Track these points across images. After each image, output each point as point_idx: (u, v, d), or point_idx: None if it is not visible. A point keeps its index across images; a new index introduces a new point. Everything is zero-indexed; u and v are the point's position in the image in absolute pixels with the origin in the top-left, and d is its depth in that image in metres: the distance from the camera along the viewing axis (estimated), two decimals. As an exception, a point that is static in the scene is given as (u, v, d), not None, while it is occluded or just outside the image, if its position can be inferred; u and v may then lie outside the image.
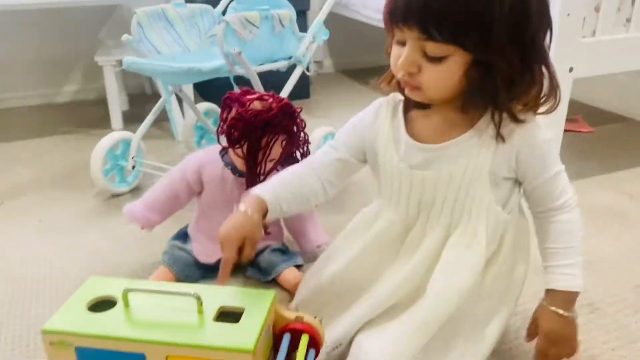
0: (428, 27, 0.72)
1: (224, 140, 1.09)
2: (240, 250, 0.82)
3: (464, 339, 0.85)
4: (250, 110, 1.04)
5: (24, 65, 2.46)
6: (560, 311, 0.83)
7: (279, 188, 0.88)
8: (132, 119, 2.11)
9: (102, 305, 0.86)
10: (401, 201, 0.87)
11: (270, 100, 1.08)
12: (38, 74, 2.50)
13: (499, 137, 0.79)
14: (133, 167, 1.58)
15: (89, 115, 2.34)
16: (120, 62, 1.76)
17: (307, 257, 1.25)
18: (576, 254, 0.83)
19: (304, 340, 0.82)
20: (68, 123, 2.24)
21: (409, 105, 0.86)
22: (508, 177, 0.83)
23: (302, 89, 2.52)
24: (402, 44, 0.77)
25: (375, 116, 0.89)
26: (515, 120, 0.78)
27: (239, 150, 1.07)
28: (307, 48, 1.51)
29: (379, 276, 0.90)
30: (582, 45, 1.40)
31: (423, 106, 0.84)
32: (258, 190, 0.87)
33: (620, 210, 1.49)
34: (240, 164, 1.10)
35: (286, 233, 1.27)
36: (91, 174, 1.53)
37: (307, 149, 1.19)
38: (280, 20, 1.42)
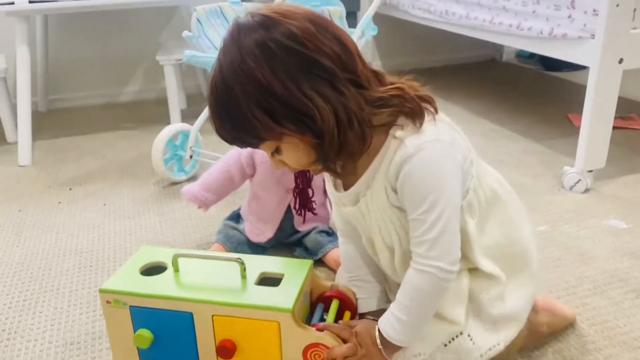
0: (241, 143, 0.75)
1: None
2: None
3: None
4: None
5: (88, 66, 2.62)
6: (378, 340, 0.81)
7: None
8: (189, 117, 2.21)
9: (153, 270, 0.93)
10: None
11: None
12: (102, 75, 2.66)
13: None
14: (191, 157, 1.67)
15: (149, 113, 2.47)
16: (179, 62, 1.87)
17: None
18: (406, 314, 0.78)
19: (334, 304, 0.90)
20: (130, 120, 2.38)
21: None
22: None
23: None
24: None
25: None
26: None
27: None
28: (356, 43, 1.57)
29: None
30: (632, 36, 1.39)
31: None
32: None
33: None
34: (290, 147, 1.15)
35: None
36: (152, 162, 1.64)
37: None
38: (330, 16, 1.48)
